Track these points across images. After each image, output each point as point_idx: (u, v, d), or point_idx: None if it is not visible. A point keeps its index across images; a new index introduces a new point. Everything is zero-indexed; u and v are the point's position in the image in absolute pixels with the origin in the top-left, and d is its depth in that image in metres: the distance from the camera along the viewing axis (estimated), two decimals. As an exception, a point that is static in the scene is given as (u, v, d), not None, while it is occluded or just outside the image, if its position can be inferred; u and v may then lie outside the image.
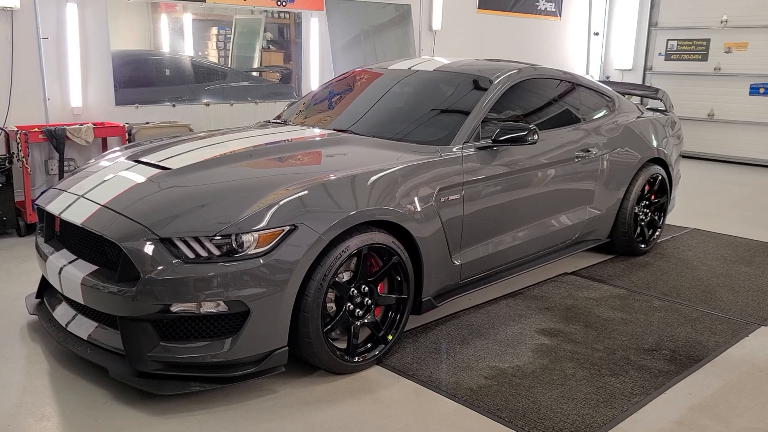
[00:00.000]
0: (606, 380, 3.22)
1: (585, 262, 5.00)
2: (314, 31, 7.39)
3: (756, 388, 3.23)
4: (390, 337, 3.36)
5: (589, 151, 4.53)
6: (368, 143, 3.79)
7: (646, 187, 5.15)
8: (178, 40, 8.60)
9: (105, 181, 3.29)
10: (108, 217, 2.97)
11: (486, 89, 4.07)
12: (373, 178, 3.25)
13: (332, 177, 3.15)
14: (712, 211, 6.88)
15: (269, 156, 3.54)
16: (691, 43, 10.55)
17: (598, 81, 5.82)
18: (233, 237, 2.81)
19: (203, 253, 2.81)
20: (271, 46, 8.97)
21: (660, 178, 5.19)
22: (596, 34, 11.22)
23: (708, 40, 10.36)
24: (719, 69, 10.28)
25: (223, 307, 2.81)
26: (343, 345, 3.21)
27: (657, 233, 5.31)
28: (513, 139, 3.77)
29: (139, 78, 6.63)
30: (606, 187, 4.74)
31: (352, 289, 3.18)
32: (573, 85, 4.78)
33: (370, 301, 3.26)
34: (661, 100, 5.73)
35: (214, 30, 9.50)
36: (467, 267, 3.81)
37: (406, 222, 3.29)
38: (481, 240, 3.88)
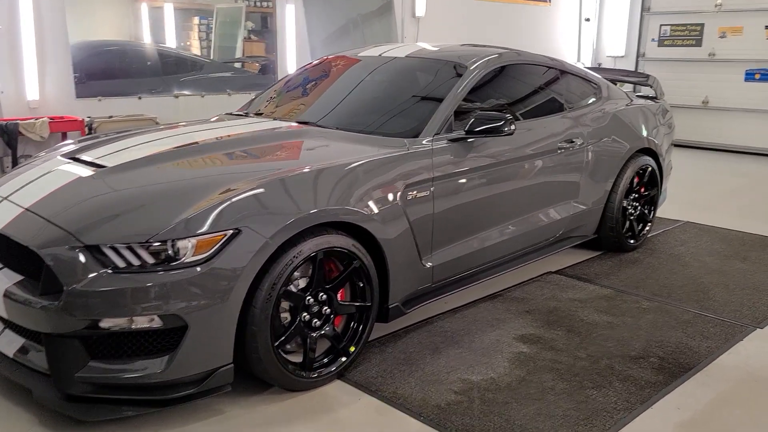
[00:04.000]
0: (588, 393, 2.94)
1: (571, 260, 4.72)
2: (290, 19, 7.08)
3: (750, 399, 2.95)
4: (352, 349, 3.07)
5: (573, 141, 4.24)
6: (330, 136, 3.49)
7: (635, 179, 4.86)
8: (147, 28, 8.30)
9: (32, 181, 2.99)
10: (30, 222, 2.67)
11: (460, 76, 3.77)
12: (330, 175, 2.95)
13: (282, 175, 2.85)
14: (706, 203, 6.60)
15: (217, 152, 3.23)
16: (684, 28, 10.25)
17: (588, 67, 5.53)
18: (168, 243, 2.52)
19: (135, 262, 2.51)
20: (252, 36, 8.67)
21: (650, 169, 4.90)
22: (587, 20, 10.91)
23: (702, 25, 10.06)
24: (714, 54, 9.99)
25: (157, 322, 2.51)
26: (299, 359, 2.92)
27: (647, 228, 5.03)
28: (487, 130, 3.47)
29: (104, 69, 6.33)
30: (592, 180, 4.45)
31: (308, 298, 2.89)
32: (557, 71, 4.49)
33: (329, 310, 2.97)
34: (651, 87, 5.43)
35: (196, 20, 9.21)
36: (440, 269, 3.52)
37: (367, 223, 2.99)
38: (455, 240, 3.59)
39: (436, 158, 3.38)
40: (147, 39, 8.07)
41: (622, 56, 10.80)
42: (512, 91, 4.22)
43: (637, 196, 4.89)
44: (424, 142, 3.41)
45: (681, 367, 3.19)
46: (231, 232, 2.59)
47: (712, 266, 4.63)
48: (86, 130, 5.43)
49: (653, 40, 10.58)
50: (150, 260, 2.52)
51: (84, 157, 3.18)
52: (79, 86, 5.77)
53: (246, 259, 2.59)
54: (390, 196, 3.12)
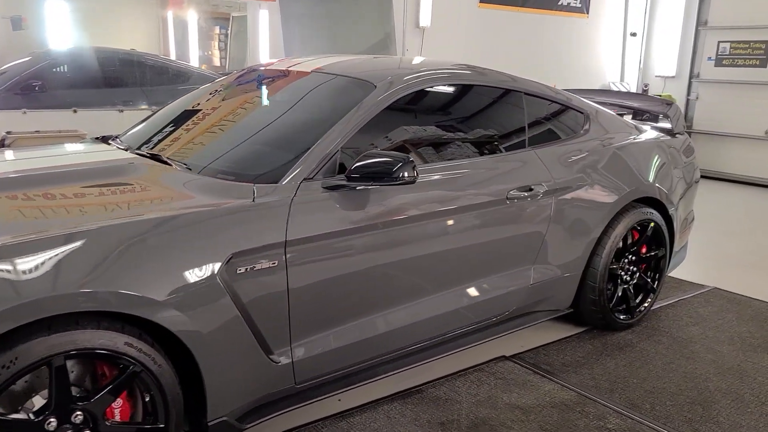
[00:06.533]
0: None
1: (540, 339, 3.62)
2: (263, 24, 6.23)
3: None
4: (130, 492, 2.13)
5: (532, 189, 3.17)
6: (156, 179, 2.57)
7: (634, 236, 3.73)
8: (170, 40, 7.87)
9: None
10: None
11: (362, 99, 2.79)
12: (94, 240, 2.01)
13: (8, 242, 1.94)
14: (750, 262, 5.30)
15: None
16: (747, 45, 8.84)
17: (580, 90, 4.43)
18: None
19: None
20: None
21: (653, 224, 3.75)
22: (633, 34, 9.62)
23: (768, 43, 8.65)
24: (782, 77, 8.55)
25: None
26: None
27: (648, 300, 3.86)
28: (375, 175, 2.48)
29: (42, 80, 5.71)
30: (562, 239, 3.36)
31: (50, 421, 1.97)
32: (525, 96, 3.41)
33: (89, 436, 2.05)
34: (668, 118, 4.26)
35: (216, 29, 8.84)
36: (308, 365, 2.54)
37: (153, 311, 2.05)
38: (335, 324, 2.60)
39: (296, 213, 2.41)
40: (159, 50, 7.62)
41: (673, 76, 9.46)
42: (451, 122, 3.20)
43: (633, 258, 3.74)
44: (282, 190, 2.44)
45: None
46: None
47: (729, 361, 3.44)
48: (-6, 147, 4.72)
49: (710, 59, 9.20)
50: None
51: None
52: (-1, 97, 5.10)
53: None
54: (201, 269, 2.16)
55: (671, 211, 3.85)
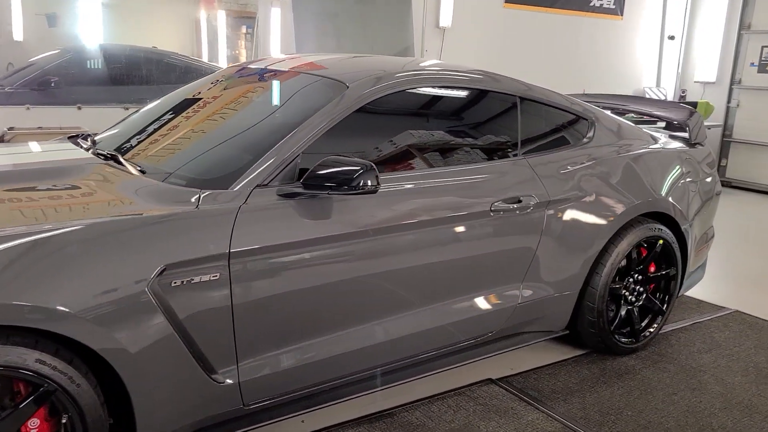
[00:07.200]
0: None
1: (534, 361, 3.36)
2: (275, 23, 6.09)
3: None
4: None
5: (520, 200, 2.92)
6: (99, 181, 2.42)
7: (642, 253, 3.44)
8: (202, 39, 7.90)
9: None
10: None
11: (331, 100, 2.59)
12: (8, 248, 1.87)
13: None
14: (779, 281, 4.92)
15: None
16: (793, 50, 8.35)
17: (604, 95, 4.14)
18: None
19: None
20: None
21: (662, 241, 3.45)
22: (671, 37, 9.17)
23: (816, 48, 8.14)
24: (830, 84, 8.03)
25: None
26: None
27: (656, 323, 3.56)
28: (334, 183, 2.28)
29: (58, 76, 5.71)
30: (557, 256, 3.10)
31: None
32: (518, 99, 3.16)
33: (-1, 459, 1.90)
34: (688, 128, 3.94)
35: (243, 28, 8.93)
36: (257, 386, 2.36)
37: (68, 325, 1.89)
38: (287, 343, 2.41)
39: (245, 222, 2.23)
40: (192, 49, 7.64)
41: (713, 82, 8.98)
42: (432, 127, 2.96)
43: (640, 277, 3.45)
44: (230, 196, 2.26)
45: None
46: None
47: (739, 395, 3.12)
48: (-7, 142, 4.70)
49: (752, 64, 8.70)
50: None
51: None
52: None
53: None
54: (127, 283, 2.00)
55: (684, 227, 3.54)
